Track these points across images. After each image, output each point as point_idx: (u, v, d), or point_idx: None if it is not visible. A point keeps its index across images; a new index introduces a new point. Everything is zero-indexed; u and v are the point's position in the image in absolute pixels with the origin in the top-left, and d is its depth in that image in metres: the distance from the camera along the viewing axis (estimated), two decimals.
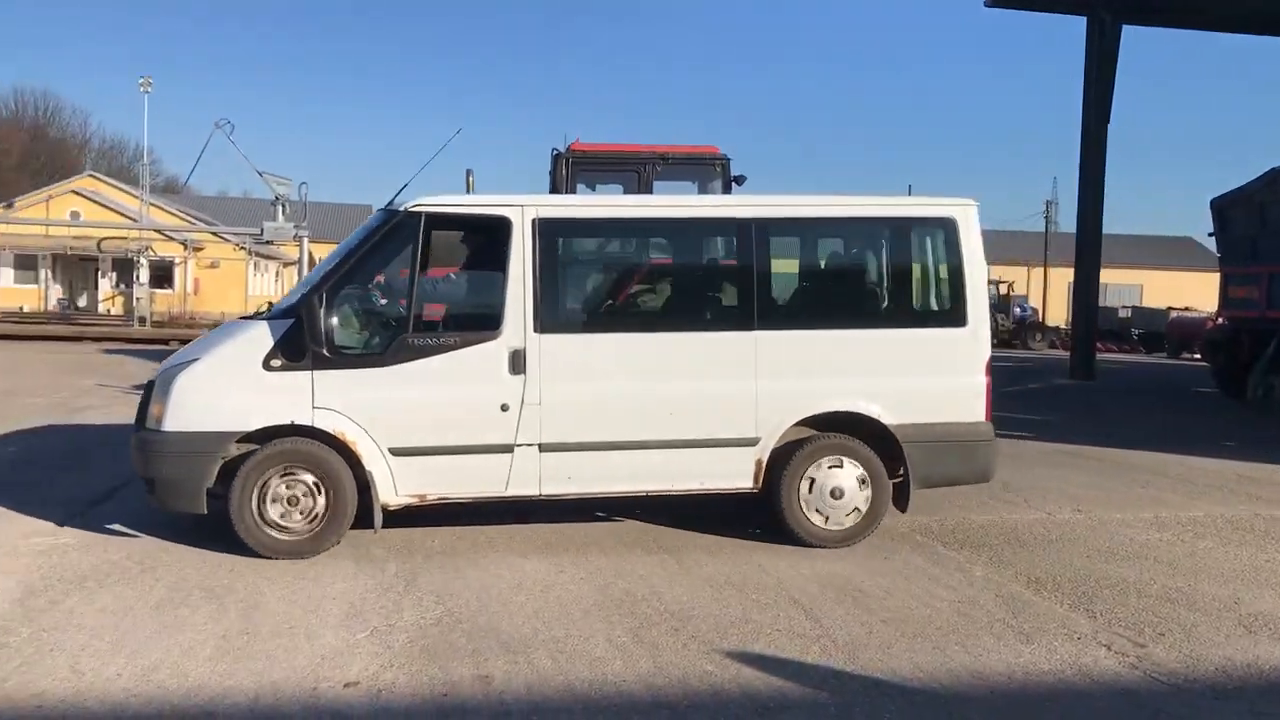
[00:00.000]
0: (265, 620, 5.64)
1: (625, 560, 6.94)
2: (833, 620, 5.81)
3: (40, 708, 4.49)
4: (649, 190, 12.13)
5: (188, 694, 4.64)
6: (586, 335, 7.39)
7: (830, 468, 7.36)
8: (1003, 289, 46.54)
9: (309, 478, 6.89)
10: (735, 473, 7.38)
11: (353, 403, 6.89)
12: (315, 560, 6.82)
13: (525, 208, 7.19)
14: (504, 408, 7.03)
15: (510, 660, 5.11)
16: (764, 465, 7.37)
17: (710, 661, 5.14)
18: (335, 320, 6.87)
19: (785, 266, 8.13)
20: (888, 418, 7.39)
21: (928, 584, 6.58)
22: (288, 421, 6.85)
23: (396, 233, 7.15)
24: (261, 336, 6.92)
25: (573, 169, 11.96)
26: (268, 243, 36.23)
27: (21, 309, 46.30)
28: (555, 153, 12.05)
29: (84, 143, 70.13)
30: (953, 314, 7.60)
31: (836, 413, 7.41)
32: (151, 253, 47.07)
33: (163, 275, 49.75)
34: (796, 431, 7.40)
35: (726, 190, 12.39)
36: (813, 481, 7.34)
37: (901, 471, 7.46)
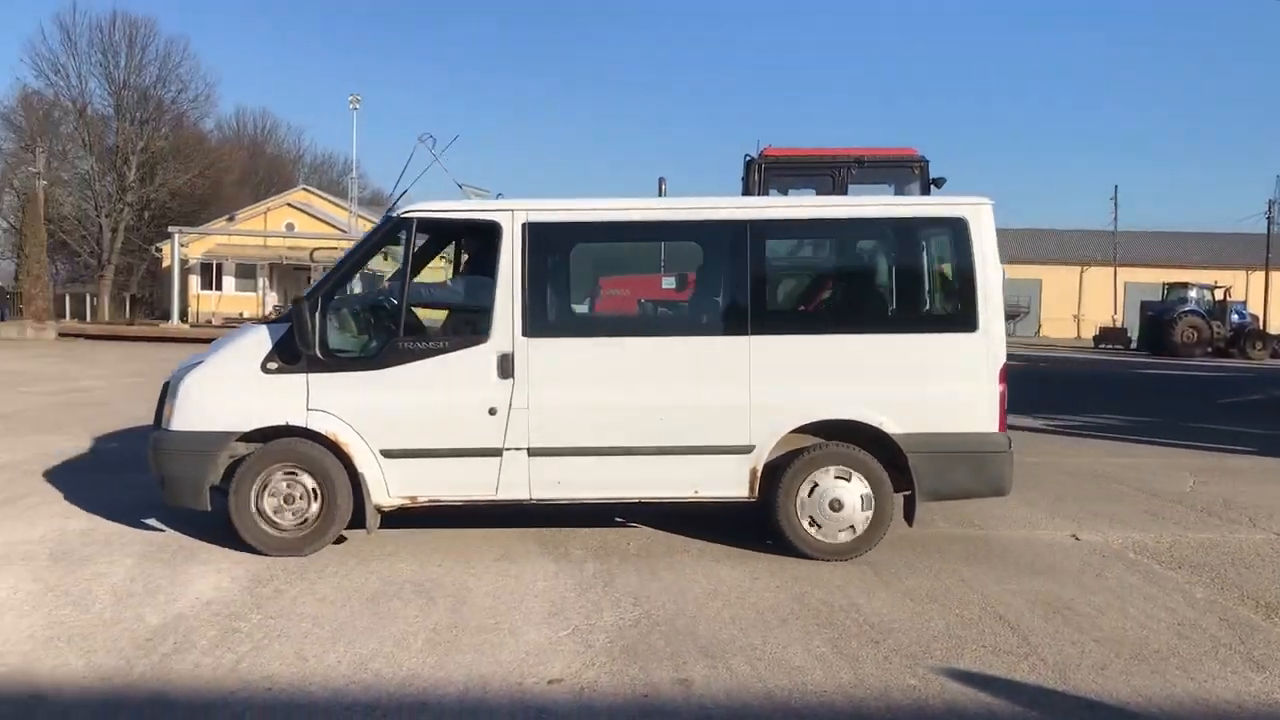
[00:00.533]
0: (472, 615, 5.84)
1: (820, 570, 6.86)
2: (1042, 638, 5.59)
3: (270, 690, 4.78)
4: (844, 193, 11.94)
5: (402, 684, 4.85)
6: (575, 339, 7.34)
7: (830, 478, 7.10)
8: (1218, 294, 43.81)
9: (304, 477, 7.06)
10: (730, 481, 7.16)
11: (345, 405, 7.02)
12: (516, 559, 7.02)
13: (515, 212, 7.19)
14: (492, 411, 7.03)
15: (709, 665, 5.12)
16: (759, 474, 7.13)
17: (913, 675, 5.02)
18: (330, 324, 7.06)
19: (782, 270, 7.99)
20: (891, 426, 7.06)
21: (1143, 604, 6.25)
22: (283, 422, 7.02)
23: (389, 238, 7.38)
24: (261, 340, 7.15)
25: (765, 174, 11.88)
26: None
27: (241, 315, 49.41)
28: (748, 159, 12.00)
29: (297, 158, 74.47)
30: (962, 319, 7.17)
31: (836, 421, 7.12)
32: None
33: (369, 283, 52.18)
34: (795, 440, 7.16)
35: (925, 194, 12.09)
36: (811, 492, 7.09)
37: (908, 483, 7.14)
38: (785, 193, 12.30)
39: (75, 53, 54.61)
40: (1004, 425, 7.16)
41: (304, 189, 61.79)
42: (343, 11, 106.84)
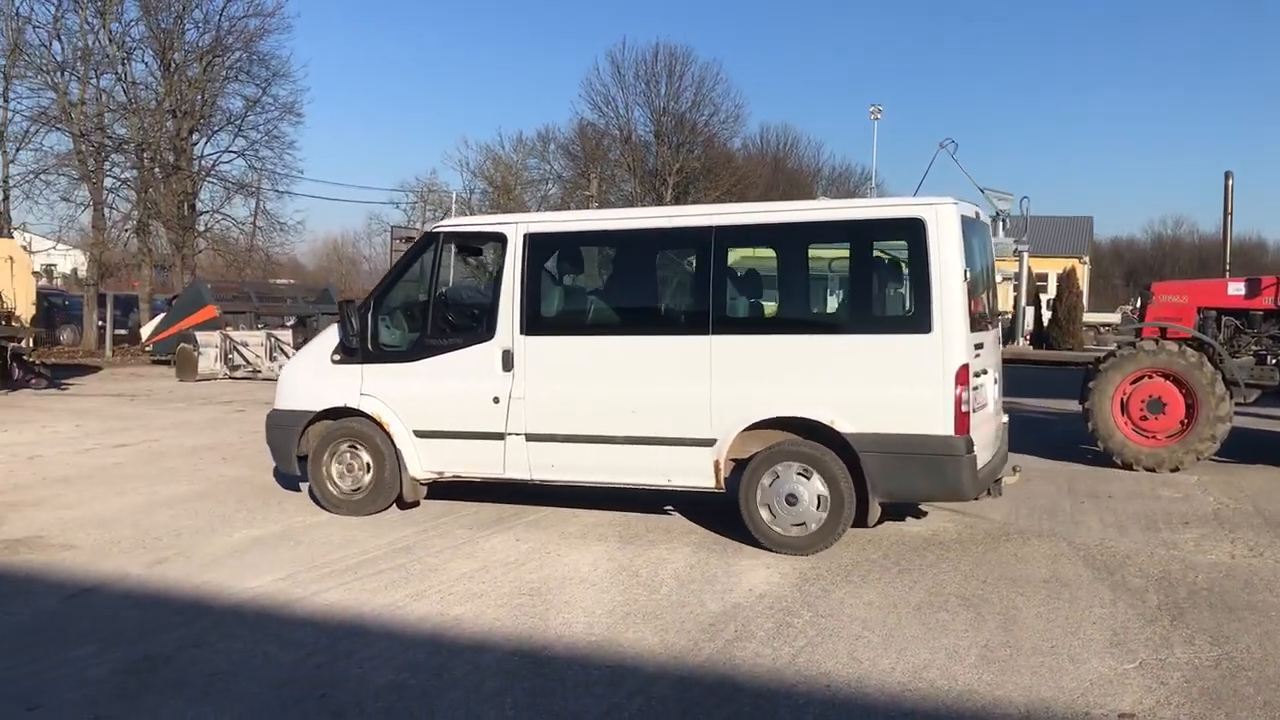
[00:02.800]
0: (1024, 636, 5.60)
1: None
2: None
3: (828, 687, 4.90)
4: None
5: (959, 698, 4.76)
6: (563, 337, 8.13)
7: (786, 473, 7.31)
8: None
9: (360, 449, 8.44)
10: (696, 471, 7.58)
11: (387, 391, 8.35)
12: (1065, 581, 6.63)
13: (519, 225, 8.16)
14: (496, 400, 7.99)
15: None
16: (723, 466, 7.48)
17: None
18: (381, 322, 8.46)
19: (742, 272, 8.22)
20: (843, 425, 7.18)
21: None
22: (342, 404, 8.48)
23: (422, 249, 8.49)
24: (333, 336, 8.64)
25: None
26: None
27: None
28: None
29: (816, 171, 76.37)
30: (916, 320, 7.14)
31: (790, 418, 7.34)
32: None
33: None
34: (755, 435, 7.42)
35: None
36: (770, 485, 7.31)
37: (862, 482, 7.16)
38: None
39: (623, 85, 60.11)
40: (964, 429, 7.03)
41: (823, 199, 63.41)
42: (862, 24, 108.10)
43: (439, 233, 8.56)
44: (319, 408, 8.64)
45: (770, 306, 8.18)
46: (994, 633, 5.66)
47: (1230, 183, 12.81)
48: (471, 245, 9.11)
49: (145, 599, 6.38)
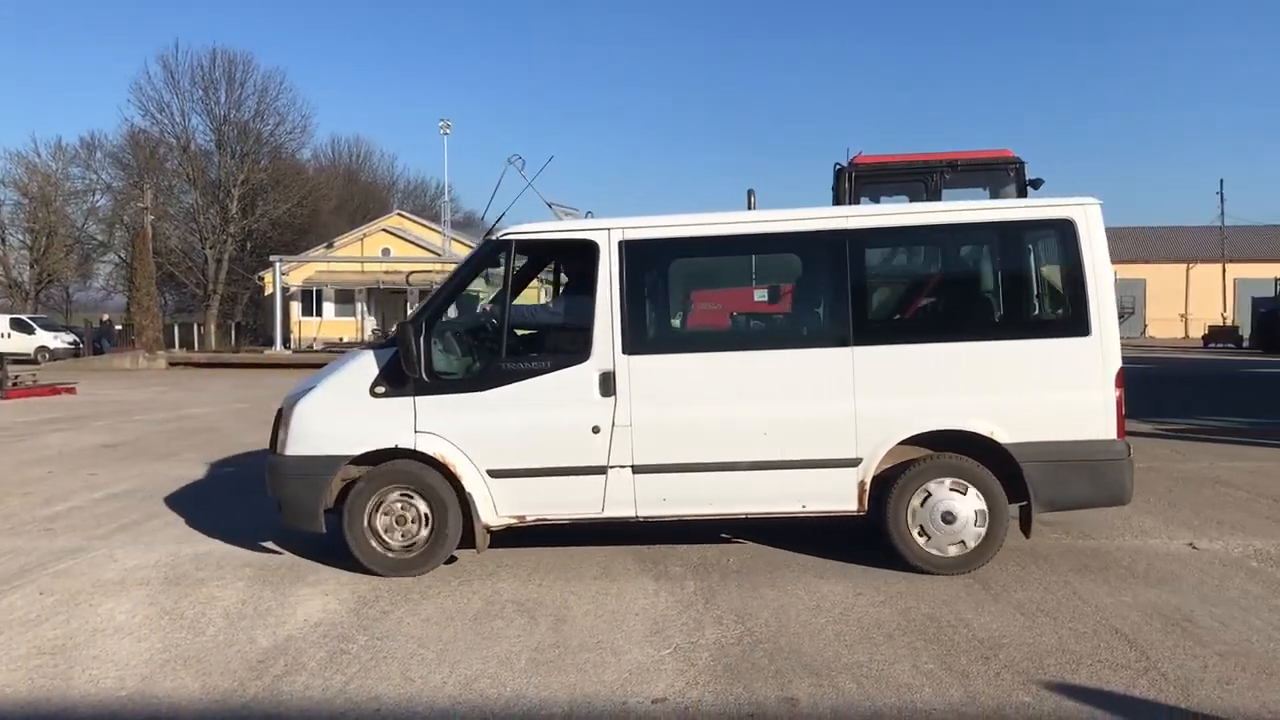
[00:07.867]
0: (574, 634, 5.85)
1: (926, 585, 6.71)
2: (1160, 652, 5.38)
3: (378, 711, 4.84)
4: (938, 200, 11.66)
5: (507, 704, 4.87)
6: (675, 355, 7.28)
7: (942, 490, 6.98)
8: None
9: (415, 499, 7.16)
10: (837, 494, 7.06)
11: (452, 427, 7.09)
12: (615, 576, 7.01)
13: (611, 230, 7.19)
14: (595, 430, 7.05)
15: (814, 683, 5.05)
16: (867, 487, 7.03)
17: (1026, 692, 4.88)
18: (435, 347, 7.12)
19: (884, 279, 7.87)
20: (1003, 436, 6.91)
21: (1269, 615, 5.98)
22: (392, 445, 7.12)
23: (489, 260, 7.40)
24: (368, 365, 7.24)
25: (856, 183, 11.69)
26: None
27: (341, 339, 50.55)
28: (838, 167, 11.84)
29: (391, 184, 75.86)
30: (1073, 323, 6.96)
31: (944, 431, 6.98)
32: None
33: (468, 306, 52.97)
34: (903, 451, 7.04)
35: (1022, 196, 11.78)
36: (922, 504, 6.98)
37: (1022, 493, 6.96)
38: (877, 200, 12.08)
39: (178, 91, 56.50)
40: (1123, 432, 6.96)
41: (399, 214, 62.93)
42: (432, 39, 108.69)
43: (510, 240, 7.28)
44: (358, 451, 7.17)
45: (917, 314, 7.74)
46: (546, 634, 5.86)
47: (752, 201, 14.14)
48: (551, 254, 8.08)
49: None
